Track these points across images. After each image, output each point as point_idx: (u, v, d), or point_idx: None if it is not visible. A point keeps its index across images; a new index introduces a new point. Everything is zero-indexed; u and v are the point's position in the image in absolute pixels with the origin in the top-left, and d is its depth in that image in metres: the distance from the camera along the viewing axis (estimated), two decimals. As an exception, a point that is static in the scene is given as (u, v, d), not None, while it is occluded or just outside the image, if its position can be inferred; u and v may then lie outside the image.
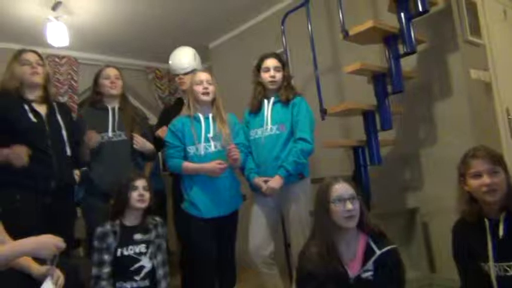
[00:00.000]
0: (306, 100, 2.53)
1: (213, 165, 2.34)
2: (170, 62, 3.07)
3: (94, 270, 2.14)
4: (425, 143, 2.99)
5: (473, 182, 1.70)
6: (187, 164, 2.40)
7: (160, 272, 2.20)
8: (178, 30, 4.26)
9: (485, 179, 1.66)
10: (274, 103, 2.55)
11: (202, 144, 2.42)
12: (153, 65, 5.18)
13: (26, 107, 2.29)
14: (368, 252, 1.74)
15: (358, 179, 2.78)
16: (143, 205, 2.25)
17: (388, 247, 1.74)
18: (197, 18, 4.11)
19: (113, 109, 2.64)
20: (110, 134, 2.56)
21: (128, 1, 3.68)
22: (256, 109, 2.59)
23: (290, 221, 2.48)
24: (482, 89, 2.98)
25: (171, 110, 3.03)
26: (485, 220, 1.71)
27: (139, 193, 2.24)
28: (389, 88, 2.81)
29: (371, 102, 2.85)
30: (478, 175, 1.69)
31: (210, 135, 2.44)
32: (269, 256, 2.48)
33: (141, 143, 2.59)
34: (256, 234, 2.49)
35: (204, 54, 4.90)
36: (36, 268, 1.67)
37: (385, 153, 2.95)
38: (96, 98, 2.68)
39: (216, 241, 2.43)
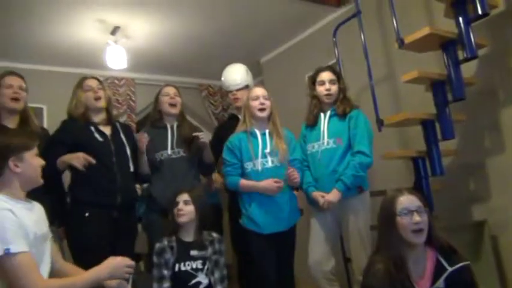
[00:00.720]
0: (363, 112, 2.49)
1: (269, 183, 2.33)
2: (223, 78, 3.12)
3: (155, 286, 2.17)
4: (491, 152, 2.83)
5: None
6: (244, 182, 2.41)
7: None
8: (229, 46, 4.34)
9: None
10: (330, 116, 2.53)
11: (260, 160, 2.42)
12: (205, 82, 5.30)
13: (93, 128, 2.47)
14: (438, 269, 1.66)
15: (419, 191, 2.67)
16: (181, 219, 2.26)
17: (461, 264, 1.66)
18: (248, 34, 4.17)
19: (172, 127, 2.73)
20: (169, 151, 2.64)
21: (180, 22, 3.81)
22: (313, 123, 2.58)
23: (349, 235, 2.43)
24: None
25: (225, 126, 3.08)
26: None
27: (178, 208, 2.27)
28: (449, 96, 2.70)
29: (430, 111, 2.75)
30: None
31: (267, 150, 2.44)
32: (330, 271, 2.43)
33: (200, 134, 2.65)
34: (316, 249, 2.46)
35: (255, 69, 4.97)
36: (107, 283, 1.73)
37: (446, 164, 2.82)
38: (156, 117, 2.78)
39: (275, 257, 2.41)
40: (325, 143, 2.49)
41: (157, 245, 2.25)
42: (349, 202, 2.41)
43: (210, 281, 2.20)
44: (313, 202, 2.49)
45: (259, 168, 2.40)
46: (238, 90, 3.01)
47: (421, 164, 2.76)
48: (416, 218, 1.66)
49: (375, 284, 1.67)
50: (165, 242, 2.24)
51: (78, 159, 2.29)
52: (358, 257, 2.37)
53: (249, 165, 2.43)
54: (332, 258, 2.47)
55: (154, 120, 2.79)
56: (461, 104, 2.75)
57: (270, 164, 2.41)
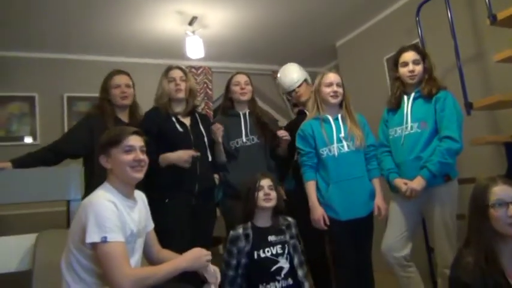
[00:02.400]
0: (451, 94, 2.33)
1: None
2: (280, 82, 3.15)
3: (222, 269, 2.17)
4: None
5: None
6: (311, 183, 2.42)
7: (300, 273, 2.19)
8: (304, 31, 4.28)
9: None
10: (414, 99, 2.40)
11: (335, 144, 2.38)
12: (279, 69, 5.27)
13: (174, 119, 2.56)
14: None
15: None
16: (269, 204, 2.25)
17: None
18: (323, 18, 4.08)
19: (244, 114, 2.76)
20: (244, 139, 2.69)
21: (255, 10, 3.81)
22: (395, 106, 2.47)
23: (434, 225, 2.31)
24: None
25: (295, 123, 3.01)
26: None
27: (265, 192, 2.25)
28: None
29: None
30: None
31: (342, 135, 2.40)
32: (404, 257, 2.34)
33: (285, 133, 2.67)
34: (391, 234, 2.38)
35: (331, 53, 4.89)
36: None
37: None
38: (227, 105, 2.83)
39: (353, 243, 2.38)
40: (409, 128, 2.36)
41: (232, 233, 2.24)
42: (434, 191, 2.28)
43: (291, 265, 2.20)
44: (395, 189, 2.40)
45: (336, 153, 2.37)
46: (299, 87, 3.02)
47: (516, 150, 2.56)
48: None
49: (465, 278, 1.58)
50: (240, 230, 2.23)
51: (181, 159, 2.39)
52: (443, 248, 2.26)
53: (324, 151, 2.40)
54: (408, 244, 2.36)
55: (225, 108, 2.83)
56: None
57: (346, 149, 2.37)
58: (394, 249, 2.35)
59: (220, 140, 2.62)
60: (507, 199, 1.57)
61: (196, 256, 1.73)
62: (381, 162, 2.48)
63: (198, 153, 2.44)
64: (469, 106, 2.68)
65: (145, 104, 2.70)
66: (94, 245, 1.55)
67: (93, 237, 1.53)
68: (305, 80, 3.04)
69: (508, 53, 2.42)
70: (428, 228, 2.56)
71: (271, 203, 2.27)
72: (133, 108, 2.67)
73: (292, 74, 3.08)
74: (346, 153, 2.37)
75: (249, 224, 2.27)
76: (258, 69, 5.07)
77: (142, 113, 2.67)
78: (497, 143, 2.75)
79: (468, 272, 1.57)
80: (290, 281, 2.16)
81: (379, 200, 2.40)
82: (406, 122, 2.38)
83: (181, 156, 2.40)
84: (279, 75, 3.18)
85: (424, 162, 2.28)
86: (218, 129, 2.60)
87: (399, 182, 2.34)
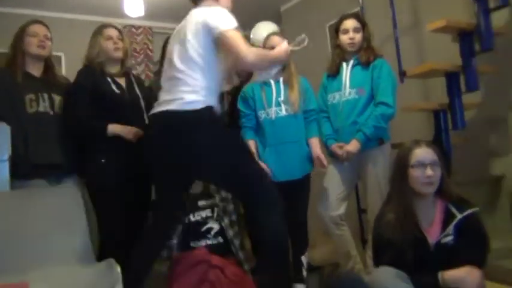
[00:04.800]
0: (387, 62, 2.42)
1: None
2: (252, 36, 3.09)
3: None
4: (516, 105, 2.75)
5: None
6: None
7: (230, 233, 2.30)
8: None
9: None
10: (353, 66, 2.48)
11: (273, 108, 2.42)
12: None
13: (109, 80, 2.44)
14: (448, 217, 1.68)
15: (438, 145, 2.64)
16: None
17: (470, 210, 1.67)
18: (268, -19, 4.03)
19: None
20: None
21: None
22: (334, 72, 2.53)
23: (368, 185, 2.44)
24: None
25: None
26: None
27: None
28: (477, 46, 2.60)
29: (455, 63, 2.66)
30: None
31: (281, 98, 2.43)
32: (339, 216, 2.47)
33: None
34: (328, 195, 2.48)
35: (275, 17, 4.85)
36: None
37: (468, 117, 2.76)
38: (157, 67, 2.75)
39: (287, 205, 2.45)
40: (347, 94, 2.45)
41: None
42: (369, 153, 2.40)
43: (221, 226, 2.28)
44: (332, 154, 2.48)
45: (273, 116, 2.40)
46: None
47: (442, 117, 2.71)
48: (429, 171, 1.67)
49: (386, 232, 1.70)
50: None
51: (130, 134, 2.33)
52: (375, 207, 2.38)
53: (262, 114, 2.44)
54: (343, 204, 2.49)
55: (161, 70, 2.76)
56: (488, 55, 2.65)
57: (284, 113, 2.41)
58: (331, 209, 2.46)
59: None
60: (426, 161, 1.68)
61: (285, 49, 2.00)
62: (320, 127, 2.55)
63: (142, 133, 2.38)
64: (403, 74, 2.79)
65: (75, 63, 2.56)
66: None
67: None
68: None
69: (440, 23, 2.52)
70: (362, 189, 2.70)
71: None
72: (49, 62, 2.45)
73: (262, 30, 3.04)
74: (284, 117, 2.41)
75: None
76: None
77: (60, 73, 2.52)
78: (426, 110, 2.90)
79: (389, 228, 1.69)
80: (220, 239, 2.27)
81: (317, 151, 2.45)
82: (345, 88, 2.46)
83: (131, 131, 2.34)
84: (251, 35, 3.12)
85: (359, 127, 2.37)
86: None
87: (335, 147, 2.43)
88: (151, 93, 2.57)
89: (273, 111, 2.41)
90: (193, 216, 2.30)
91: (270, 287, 1.82)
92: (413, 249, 1.63)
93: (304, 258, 2.53)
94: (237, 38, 1.87)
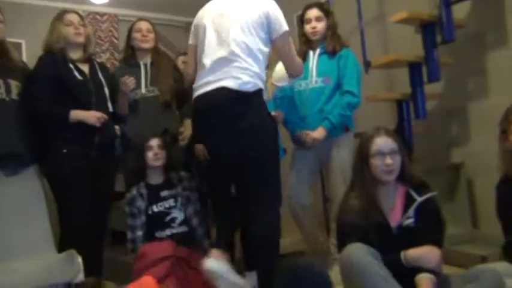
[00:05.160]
0: (353, 52, 2.46)
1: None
2: None
3: (129, 234, 2.27)
4: (475, 96, 2.84)
5: None
6: None
7: (194, 222, 2.30)
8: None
9: None
10: (320, 54, 2.51)
11: None
12: (192, 21, 5.11)
13: (71, 66, 2.37)
14: (408, 201, 1.73)
15: (401, 134, 2.70)
16: (159, 163, 2.32)
17: (429, 194, 1.73)
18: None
19: (145, 65, 2.65)
20: (143, 90, 2.59)
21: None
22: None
23: (332, 171, 2.48)
24: (540, 38, 2.77)
25: None
26: None
27: (154, 152, 2.31)
28: (438, 38, 2.67)
29: (418, 53, 2.72)
30: None
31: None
32: (306, 205, 2.50)
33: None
34: (295, 183, 2.51)
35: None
36: None
37: (430, 107, 2.84)
38: (128, 53, 2.69)
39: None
40: (313, 82, 2.48)
41: (128, 195, 2.31)
42: (334, 141, 2.44)
43: (186, 215, 2.27)
44: (296, 141, 2.51)
45: None
46: None
47: (405, 107, 2.78)
48: (388, 160, 1.70)
49: (350, 218, 1.73)
50: (134, 191, 2.30)
51: (94, 118, 2.28)
52: (338, 194, 2.41)
53: None
54: (309, 192, 2.54)
55: (126, 57, 2.71)
56: (449, 47, 2.73)
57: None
58: (299, 196, 2.49)
59: (128, 92, 2.50)
60: (385, 150, 1.72)
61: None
62: (286, 114, 2.56)
63: (107, 117, 2.34)
64: (367, 64, 2.83)
65: (36, 50, 2.46)
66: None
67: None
68: None
69: (403, 15, 2.57)
70: (325, 176, 2.74)
71: (160, 162, 2.33)
72: (3, 46, 2.32)
73: None
74: None
75: (142, 183, 2.33)
76: (170, 19, 4.86)
77: (18, 57, 2.42)
78: (390, 100, 2.96)
79: (353, 213, 1.73)
80: (185, 228, 2.26)
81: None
82: (311, 77, 2.49)
83: (95, 114, 2.29)
84: None
85: (325, 115, 2.40)
86: (131, 81, 2.46)
87: (301, 133, 2.45)
88: (116, 81, 2.53)
89: None
90: (157, 207, 2.28)
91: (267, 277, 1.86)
92: (377, 233, 1.68)
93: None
94: (292, 43, 2.04)
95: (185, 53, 3.38)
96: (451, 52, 2.83)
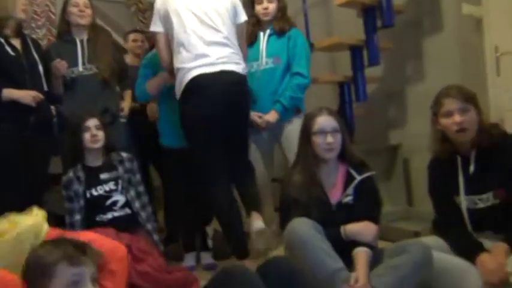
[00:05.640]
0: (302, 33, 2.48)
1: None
2: None
3: (67, 218, 2.14)
4: (412, 79, 2.97)
5: (445, 121, 1.72)
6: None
7: (137, 205, 2.20)
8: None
9: (456, 118, 1.68)
10: (269, 35, 2.51)
11: None
12: (136, -2, 4.93)
13: (2, 40, 2.23)
14: (348, 179, 1.79)
15: (342, 115, 2.78)
16: (97, 145, 2.16)
17: (368, 173, 1.80)
18: None
19: (82, 41, 2.52)
20: (81, 68, 2.47)
21: None
22: (251, 41, 2.53)
23: (286, 153, 2.49)
24: (472, 25, 2.91)
25: None
26: (458, 157, 1.77)
27: (92, 133, 2.15)
28: (379, 23, 2.74)
29: (360, 37, 2.79)
30: (449, 114, 1.70)
31: None
32: (262, 185, 2.50)
33: None
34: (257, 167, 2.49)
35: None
36: None
37: (370, 90, 2.93)
38: (63, 28, 2.55)
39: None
40: (264, 63, 2.48)
41: (64, 178, 2.16)
42: (286, 123, 2.46)
43: (127, 199, 2.19)
44: (251, 123, 2.50)
45: None
46: None
47: (346, 90, 2.85)
48: (329, 139, 1.75)
49: (292, 193, 1.77)
50: (71, 174, 2.15)
51: (29, 96, 2.17)
52: None
53: None
54: (266, 174, 2.57)
55: (61, 32, 2.56)
56: (389, 32, 2.82)
57: None
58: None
59: (61, 74, 2.39)
60: (327, 128, 1.76)
61: None
62: None
63: (42, 97, 2.24)
64: (311, 46, 2.85)
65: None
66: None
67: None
68: None
69: (347, -3, 2.62)
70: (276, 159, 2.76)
71: (99, 144, 2.17)
72: None
73: None
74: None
75: (79, 165, 2.18)
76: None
77: None
78: (332, 83, 3.02)
79: (295, 188, 1.77)
80: (128, 210, 2.17)
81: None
82: (262, 58, 2.48)
83: (30, 93, 2.18)
84: None
85: (277, 97, 2.42)
86: (62, 65, 2.34)
87: (253, 115, 2.44)
88: (50, 58, 2.40)
89: None
90: (96, 191, 2.15)
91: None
92: (318, 208, 1.73)
93: (208, 229, 2.59)
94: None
95: (135, 31, 3.30)
96: (390, 37, 2.92)
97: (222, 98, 2.08)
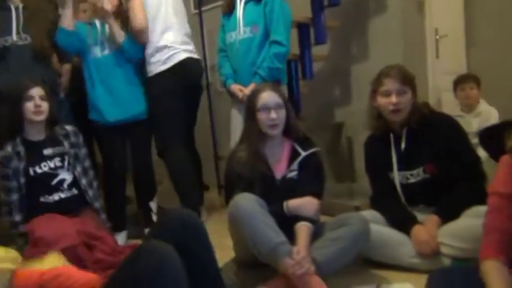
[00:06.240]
0: None
1: None
2: None
3: (2, 196, 1.97)
4: (357, 58, 3.03)
5: (382, 100, 1.79)
6: None
7: (83, 182, 2.08)
8: None
9: (393, 99, 1.75)
10: (246, 2, 2.42)
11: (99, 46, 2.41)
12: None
13: None
14: (293, 155, 1.81)
15: (289, 93, 2.80)
16: (40, 117, 1.99)
17: (312, 149, 1.83)
18: None
19: (17, 8, 2.37)
20: (15, 37, 2.33)
21: None
22: (229, 10, 2.47)
23: None
24: (415, 7, 3.01)
25: None
26: (391, 134, 1.85)
27: (35, 104, 1.97)
28: (325, 1, 2.76)
29: (307, 15, 2.79)
30: (387, 94, 1.77)
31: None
32: None
33: None
34: (236, 137, 2.45)
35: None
36: None
37: (317, 69, 2.97)
38: None
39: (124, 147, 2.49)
40: (242, 32, 2.40)
41: (1, 154, 1.96)
42: None
43: (74, 176, 2.07)
44: (231, 94, 2.47)
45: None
46: None
47: (294, 67, 2.85)
48: (273, 115, 1.76)
49: (237, 168, 1.78)
50: (9, 149, 1.96)
51: None
52: None
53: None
54: None
55: None
56: (336, 11, 2.84)
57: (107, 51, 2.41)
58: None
59: None
60: (270, 104, 1.77)
61: None
62: (221, 67, 2.53)
63: None
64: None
65: None
66: None
67: None
68: None
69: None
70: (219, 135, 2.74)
71: (42, 116, 2.00)
72: None
73: None
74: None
75: (18, 139, 1.99)
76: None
77: None
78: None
79: (240, 164, 1.78)
80: (75, 191, 2.05)
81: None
82: (239, 27, 2.41)
83: None
84: None
85: (256, 68, 2.35)
86: None
87: (235, 88, 2.41)
88: None
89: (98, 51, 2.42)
90: (40, 168, 1.97)
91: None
92: (262, 184, 1.74)
93: (152, 204, 2.54)
94: None
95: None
96: (337, 16, 2.95)
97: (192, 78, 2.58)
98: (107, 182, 2.50)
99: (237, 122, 2.46)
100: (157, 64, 2.44)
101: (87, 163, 2.14)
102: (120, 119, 2.40)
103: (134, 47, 2.41)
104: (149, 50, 2.46)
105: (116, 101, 2.38)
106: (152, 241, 1.20)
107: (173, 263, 1.09)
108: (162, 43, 2.45)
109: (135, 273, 1.04)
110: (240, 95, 2.38)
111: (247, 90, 2.33)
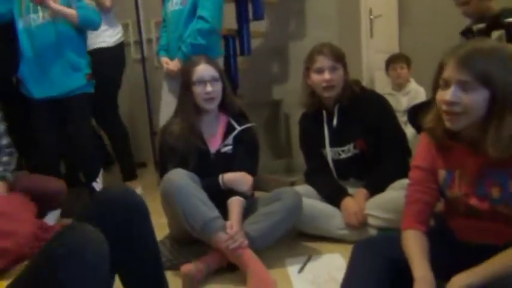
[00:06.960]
0: None
1: None
2: None
3: None
4: (295, 36, 3.05)
5: (316, 77, 1.83)
6: None
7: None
8: None
9: (326, 75, 1.79)
10: None
11: (31, 15, 2.21)
12: None
13: None
14: (229, 129, 1.81)
15: (226, 69, 2.76)
16: None
17: (248, 125, 1.83)
18: None
19: None
20: None
21: None
22: None
23: None
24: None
25: None
26: (323, 112, 1.89)
27: None
28: (263, -25, 2.73)
29: (245, -10, 2.76)
30: (320, 71, 1.80)
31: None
32: None
33: None
34: (164, 112, 2.37)
35: None
36: None
37: (255, 45, 2.95)
38: None
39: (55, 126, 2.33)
40: (174, 3, 2.32)
41: None
42: None
43: None
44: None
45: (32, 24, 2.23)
46: None
47: (231, 43, 2.81)
48: (208, 88, 1.73)
49: (171, 142, 1.75)
50: None
51: None
52: None
53: (20, 23, 2.24)
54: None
55: None
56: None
57: (41, 20, 2.21)
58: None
59: None
60: (205, 77, 1.75)
61: None
62: (160, 37, 2.48)
63: None
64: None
65: None
66: None
67: None
68: None
69: None
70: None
71: None
72: None
73: None
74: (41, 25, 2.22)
75: None
76: None
77: None
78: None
79: (173, 137, 1.75)
80: None
81: None
82: None
83: None
84: None
85: (181, 43, 2.28)
86: None
87: (162, 60, 2.36)
88: None
89: (30, 19, 2.22)
90: None
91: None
92: (196, 157, 1.72)
93: (96, 184, 2.42)
94: None
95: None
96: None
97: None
98: (39, 161, 2.36)
99: (164, 95, 2.42)
100: None
101: (5, 140, 2.01)
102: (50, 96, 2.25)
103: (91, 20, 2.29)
104: None
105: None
106: (75, 223, 1.14)
107: (98, 247, 1.02)
108: None
109: (53, 256, 0.98)
110: (165, 67, 2.35)
111: (172, 65, 2.30)
